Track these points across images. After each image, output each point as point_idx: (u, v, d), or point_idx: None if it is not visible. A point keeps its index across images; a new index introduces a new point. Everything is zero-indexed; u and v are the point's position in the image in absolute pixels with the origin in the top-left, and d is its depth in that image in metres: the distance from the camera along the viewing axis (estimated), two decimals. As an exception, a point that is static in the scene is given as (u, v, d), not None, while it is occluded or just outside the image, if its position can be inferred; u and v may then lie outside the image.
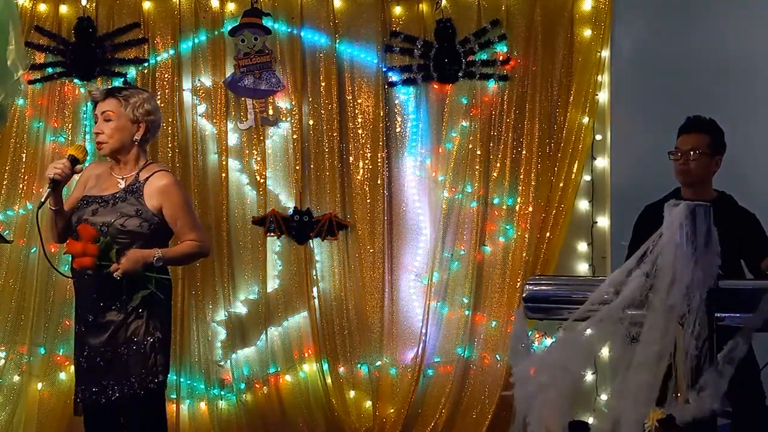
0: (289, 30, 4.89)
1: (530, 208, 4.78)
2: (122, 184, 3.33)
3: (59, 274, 3.77)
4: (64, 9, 4.90)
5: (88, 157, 3.46)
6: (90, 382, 3.29)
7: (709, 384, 1.43)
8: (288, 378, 4.92)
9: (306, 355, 4.92)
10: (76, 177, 3.39)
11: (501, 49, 4.83)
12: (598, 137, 4.84)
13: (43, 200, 3.27)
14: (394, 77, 4.88)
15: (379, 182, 4.88)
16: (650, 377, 1.45)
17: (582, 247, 4.88)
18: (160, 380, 3.28)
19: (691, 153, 3.76)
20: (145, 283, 3.21)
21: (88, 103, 4.88)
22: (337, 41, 4.88)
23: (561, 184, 4.74)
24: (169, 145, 4.81)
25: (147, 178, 3.32)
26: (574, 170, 4.75)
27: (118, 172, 3.37)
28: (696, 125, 3.82)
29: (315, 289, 4.88)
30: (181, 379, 4.81)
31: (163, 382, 3.32)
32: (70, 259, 3.30)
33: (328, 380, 4.85)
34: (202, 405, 4.85)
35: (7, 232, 4.69)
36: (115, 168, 3.39)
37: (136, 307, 3.24)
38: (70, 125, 4.90)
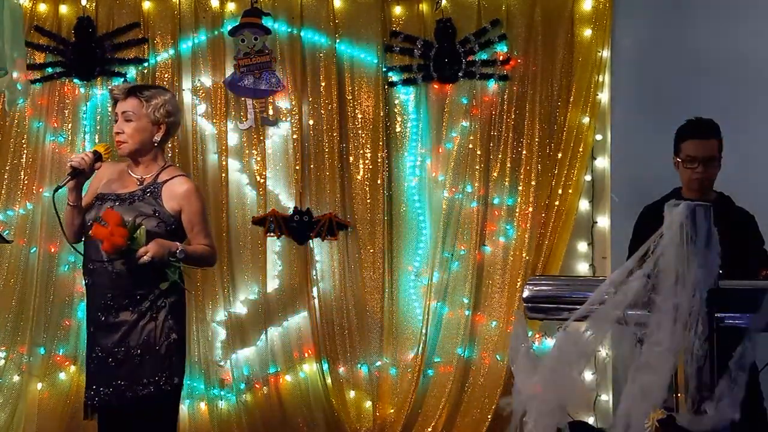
0: (289, 30, 4.89)
1: (530, 208, 4.78)
2: (140, 184, 3.31)
3: (77, 252, 3.47)
4: (64, 9, 4.89)
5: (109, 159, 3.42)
6: (101, 383, 3.24)
7: (725, 393, 1.42)
8: (288, 378, 4.91)
9: (306, 355, 4.91)
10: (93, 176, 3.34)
11: (501, 49, 4.82)
12: (598, 137, 4.84)
13: (61, 183, 3.25)
14: (394, 77, 4.88)
15: (379, 182, 4.88)
16: (656, 377, 1.44)
17: (582, 247, 4.87)
18: (175, 383, 3.24)
19: (712, 161, 3.61)
20: (168, 273, 3.16)
21: (88, 103, 4.89)
22: (337, 41, 4.88)
23: (561, 184, 4.74)
24: (170, 145, 4.80)
25: (166, 181, 3.30)
26: (575, 170, 4.75)
27: (136, 171, 3.35)
28: (709, 130, 3.67)
29: (315, 289, 4.87)
30: (181, 379, 4.81)
31: (178, 385, 3.28)
32: (99, 243, 3.13)
33: (328, 380, 4.84)
34: (202, 405, 4.85)
35: (7, 232, 4.69)
36: (133, 167, 3.36)
37: (150, 308, 3.20)
38: (70, 125, 4.89)
